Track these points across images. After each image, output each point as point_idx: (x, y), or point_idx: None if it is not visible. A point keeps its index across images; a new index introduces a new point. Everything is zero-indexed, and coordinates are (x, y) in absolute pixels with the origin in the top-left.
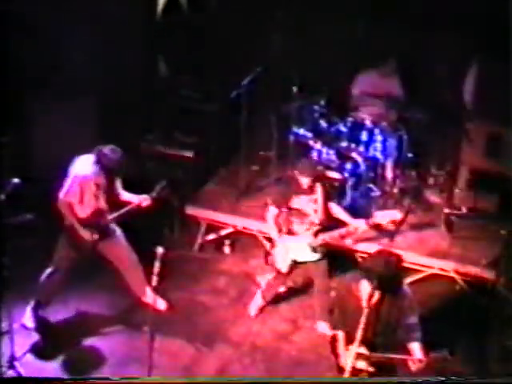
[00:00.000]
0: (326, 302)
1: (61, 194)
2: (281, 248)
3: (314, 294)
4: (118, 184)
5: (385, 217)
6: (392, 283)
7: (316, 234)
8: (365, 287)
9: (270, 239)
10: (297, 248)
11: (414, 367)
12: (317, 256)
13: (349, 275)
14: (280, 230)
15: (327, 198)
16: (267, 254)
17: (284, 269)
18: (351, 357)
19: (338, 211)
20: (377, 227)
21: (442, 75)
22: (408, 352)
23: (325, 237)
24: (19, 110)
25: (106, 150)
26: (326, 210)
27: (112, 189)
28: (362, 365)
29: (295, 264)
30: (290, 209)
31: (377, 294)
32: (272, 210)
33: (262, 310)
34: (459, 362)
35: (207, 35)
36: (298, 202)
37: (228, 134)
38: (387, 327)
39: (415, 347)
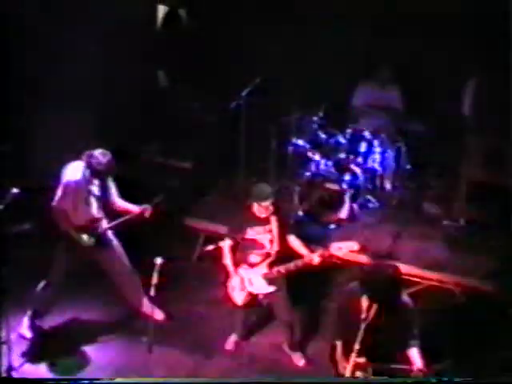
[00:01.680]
0: (289, 334)
1: (53, 202)
2: (236, 280)
3: (278, 325)
4: (114, 192)
5: (341, 248)
6: (389, 295)
7: (271, 266)
8: (364, 298)
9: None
10: (252, 280)
11: (415, 373)
12: (272, 288)
13: (348, 286)
14: (236, 262)
15: (283, 228)
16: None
17: (240, 301)
18: (350, 367)
19: (294, 242)
20: (332, 259)
21: (441, 87)
22: (408, 361)
23: (280, 268)
24: (18, 119)
25: (96, 152)
26: (282, 241)
27: (106, 195)
28: (361, 375)
29: (252, 296)
30: (245, 240)
31: (376, 305)
32: (227, 242)
33: (238, 344)
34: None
35: (207, 46)
36: (253, 233)
37: (227, 145)
38: (387, 338)
39: (413, 353)
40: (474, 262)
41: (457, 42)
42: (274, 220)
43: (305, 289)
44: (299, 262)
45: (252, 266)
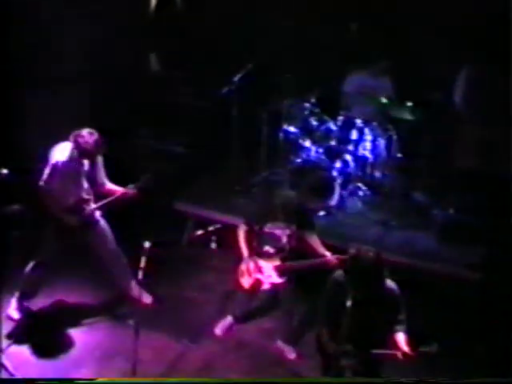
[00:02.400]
0: (288, 327)
1: (41, 183)
2: (247, 265)
3: (278, 316)
4: (102, 173)
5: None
6: (372, 280)
7: (285, 260)
8: (349, 286)
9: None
10: (263, 268)
11: (400, 357)
12: (282, 280)
13: (333, 275)
14: (250, 249)
15: (304, 226)
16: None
17: (246, 285)
18: (337, 354)
19: (313, 241)
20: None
21: (434, 76)
22: (394, 346)
23: (293, 264)
24: (9, 100)
25: (83, 132)
26: (301, 238)
27: (94, 176)
28: (348, 362)
29: (258, 283)
30: (262, 230)
31: (360, 292)
32: (243, 228)
33: (230, 328)
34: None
35: (200, 32)
36: (272, 226)
37: (219, 130)
38: (374, 324)
39: (400, 338)
40: (463, 252)
41: (450, 31)
42: (295, 217)
43: (308, 284)
44: (314, 262)
45: (266, 256)
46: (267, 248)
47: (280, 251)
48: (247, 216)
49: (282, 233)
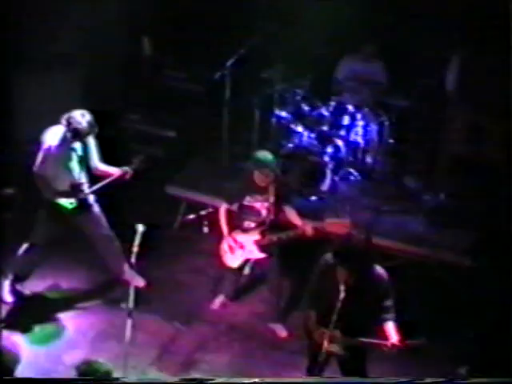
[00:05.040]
0: (275, 303)
1: (34, 168)
2: (228, 243)
3: (267, 297)
4: (95, 156)
5: (335, 225)
6: (362, 264)
7: (264, 233)
8: (339, 269)
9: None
10: (244, 244)
11: (386, 351)
12: (262, 255)
13: (323, 257)
14: (231, 226)
15: (280, 198)
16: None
17: (234, 264)
18: (325, 339)
19: (290, 213)
20: (324, 233)
21: (426, 62)
22: (383, 335)
23: (272, 237)
24: (1, 82)
25: (74, 113)
26: (278, 210)
27: (87, 159)
28: (334, 348)
29: (246, 261)
30: (242, 206)
31: (350, 276)
32: (224, 207)
33: (225, 305)
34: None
35: (193, 15)
36: (251, 200)
37: (211, 114)
38: (362, 310)
39: (389, 327)
40: (453, 237)
41: (443, 15)
42: (272, 189)
43: (295, 260)
44: (292, 233)
45: (246, 231)
46: (247, 222)
47: (260, 225)
48: (226, 193)
49: (261, 206)
